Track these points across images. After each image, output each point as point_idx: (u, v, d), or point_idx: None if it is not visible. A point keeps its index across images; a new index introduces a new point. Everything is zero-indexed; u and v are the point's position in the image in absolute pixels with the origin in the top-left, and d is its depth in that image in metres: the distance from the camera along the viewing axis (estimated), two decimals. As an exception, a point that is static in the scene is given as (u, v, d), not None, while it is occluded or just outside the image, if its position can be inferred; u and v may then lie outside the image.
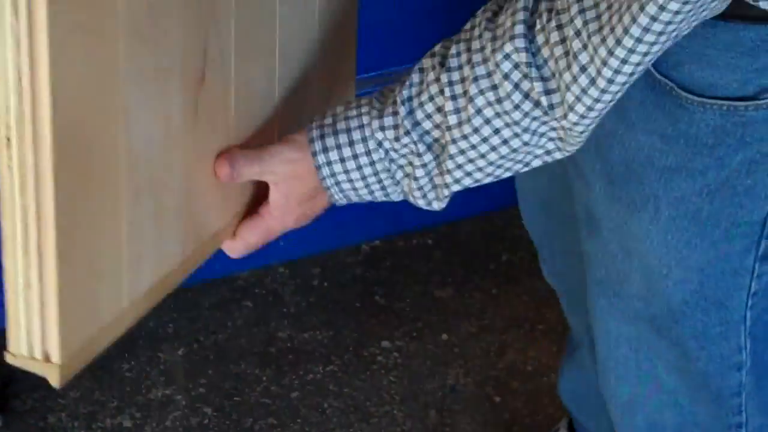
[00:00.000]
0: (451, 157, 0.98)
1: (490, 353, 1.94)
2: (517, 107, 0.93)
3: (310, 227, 1.93)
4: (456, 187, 1.01)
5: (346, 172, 1.03)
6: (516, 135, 0.95)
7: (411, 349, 1.95)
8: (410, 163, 1.01)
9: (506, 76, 0.92)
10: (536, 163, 0.99)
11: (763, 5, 0.92)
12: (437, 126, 0.98)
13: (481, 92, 0.94)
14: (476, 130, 0.96)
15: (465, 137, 0.96)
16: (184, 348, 1.94)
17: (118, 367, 1.90)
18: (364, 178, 1.03)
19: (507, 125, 0.95)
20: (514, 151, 0.97)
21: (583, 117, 0.92)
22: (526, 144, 0.96)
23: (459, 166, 0.99)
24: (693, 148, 1.04)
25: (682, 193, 1.07)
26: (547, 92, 0.92)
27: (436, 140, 0.99)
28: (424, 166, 1.00)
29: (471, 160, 0.98)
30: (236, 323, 1.98)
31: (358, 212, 1.91)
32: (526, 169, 0.99)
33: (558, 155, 0.98)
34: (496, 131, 0.95)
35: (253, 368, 1.91)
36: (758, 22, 0.97)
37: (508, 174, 1.00)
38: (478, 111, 0.95)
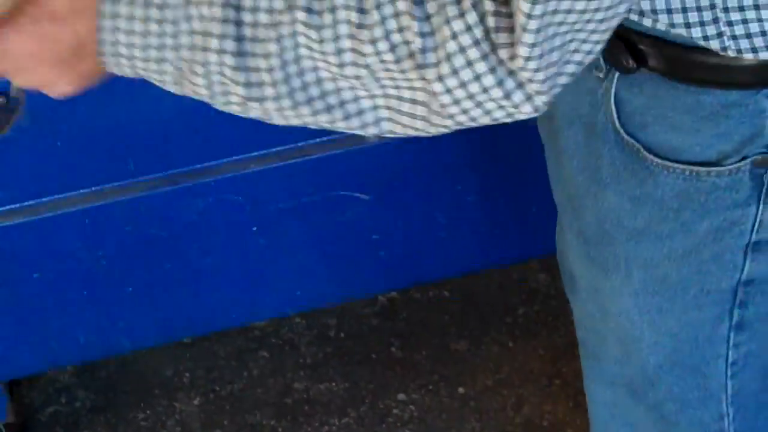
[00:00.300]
0: (281, 51, 0.84)
1: (506, 407, 1.94)
2: (373, 42, 0.83)
3: (328, 277, 1.94)
4: (269, 92, 0.86)
5: (131, 3, 0.84)
6: (357, 65, 0.84)
7: (427, 402, 1.94)
8: (209, 30, 0.84)
9: (378, 6, 0.83)
10: (356, 124, 0.87)
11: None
12: (250, 7, 0.85)
13: (347, 7, 0.83)
14: (322, 41, 0.84)
15: (307, 37, 0.84)
16: (200, 398, 1.94)
17: (134, 417, 1.90)
18: (146, 20, 0.84)
19: (353, 50, 0.84)
20: (345, 77, 0.85)
21: (455, 72, 0.82)
22: (358, 78, 0.85)
23: (284, 65, 0.85)
24: (659, 212, 1.04)
25: (651, 257, 1.06)
26: (423, 34, 0.82)
27: (252, 24, 0.85)
28: (221, 37, 0.84)
29: (297, 59, 0.85)
30: (252, 373, 1.97)
31: (376, 263, 1.91)
32: (342, 122, 0.87)
33: (387, 127, 0.87)
34: (340, 51, 0.84)
35: (268, 419, 1.91)
36: (718, 87, 0.97)
37: (320, 104, 0.86)
38: (335, 23, 0.84)
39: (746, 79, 0.96)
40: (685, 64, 0.96)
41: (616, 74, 1.01)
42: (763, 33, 0.92)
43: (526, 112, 0.84)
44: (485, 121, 0.85)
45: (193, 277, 1.80)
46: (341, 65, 0.84)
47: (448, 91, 0.83)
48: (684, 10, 0.92)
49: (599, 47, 0.83)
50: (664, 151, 1.01)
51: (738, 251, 1.04)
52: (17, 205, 1.59)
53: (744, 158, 0.99)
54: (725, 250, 1.04)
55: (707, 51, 0.94)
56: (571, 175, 1.11)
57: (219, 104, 0.88)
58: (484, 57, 0.81)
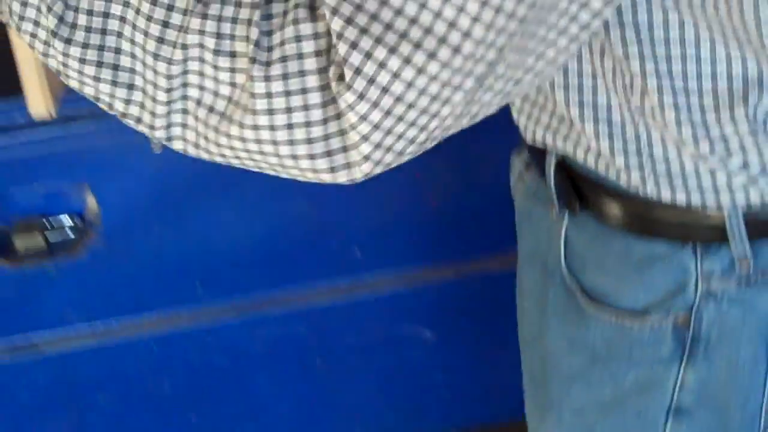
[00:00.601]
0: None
1: None
2: (202, 16, 0.79)
3: (389, 415, 1.92)
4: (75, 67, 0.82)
5: None
6: (175, 45, 0.79)
7: None
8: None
9: None
10: (146, 118, 0.83)
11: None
12: None
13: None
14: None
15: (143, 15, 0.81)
16: None
17: None
18: None
19: (180, 28, 0.79)
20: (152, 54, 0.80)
21: (285, 77, 0.77)
22: (170, 62, 0.79)
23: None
24: (591, 357, 1.04)
25: (581, 403, 1.06)
26: (262, 31, 0.78)
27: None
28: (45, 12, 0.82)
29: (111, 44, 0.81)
30: None
31: (439, 403, 1.90)
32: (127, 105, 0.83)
33: (190, 139, 0.82)
34: (167, 23, 0.80)
35: None
36: (647, 237, 0.98)
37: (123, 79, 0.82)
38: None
39: (672, 232, 0.97)
40: (619, 210, 0.98)
41: (567, 214, 1.03)
42: (683, 174, 0.94)
43: (335, 163, 0.79)
44: (283, 152, 0.79)
45: (255, 408, 1.80)
46: (160, 39, 0.80)
47: (268, 95, 0.78)
48: (611, 136, 0.95)
49: (423, 137, 0.79)
50: (596, 294, 1.02)
51: (660, 411, 1.02)
52: (86, 328, 1.61)
53: (668, 313, 0.99)
54: (649, 408, 1.03)
55: (637, 198, 0.97)
56: (526, 314, 1.13)
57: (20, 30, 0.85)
58: (320, 71, 0.77)
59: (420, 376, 1.87)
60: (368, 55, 0.75)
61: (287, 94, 0.77)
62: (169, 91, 0.81)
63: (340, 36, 0.75)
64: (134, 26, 0.80)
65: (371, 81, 0.76)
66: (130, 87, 0.82)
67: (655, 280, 0.99)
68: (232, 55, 0.78)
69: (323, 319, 1.70)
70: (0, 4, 0.85)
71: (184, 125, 0.82)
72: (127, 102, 0.83)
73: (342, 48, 0.75)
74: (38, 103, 1.17)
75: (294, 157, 0.79)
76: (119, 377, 1.70)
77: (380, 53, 0.75)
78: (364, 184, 1.57)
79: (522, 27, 0.76)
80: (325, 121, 0.78)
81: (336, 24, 0.75)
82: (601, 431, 1.05)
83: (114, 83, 0.82)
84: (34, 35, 0.84)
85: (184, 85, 0.80)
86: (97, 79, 0.83)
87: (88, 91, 0.84)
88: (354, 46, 0.75)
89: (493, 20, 0.75)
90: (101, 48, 0.82)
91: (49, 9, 0.82)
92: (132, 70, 0.82)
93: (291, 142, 0.79)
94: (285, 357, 1.73)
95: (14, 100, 1.37)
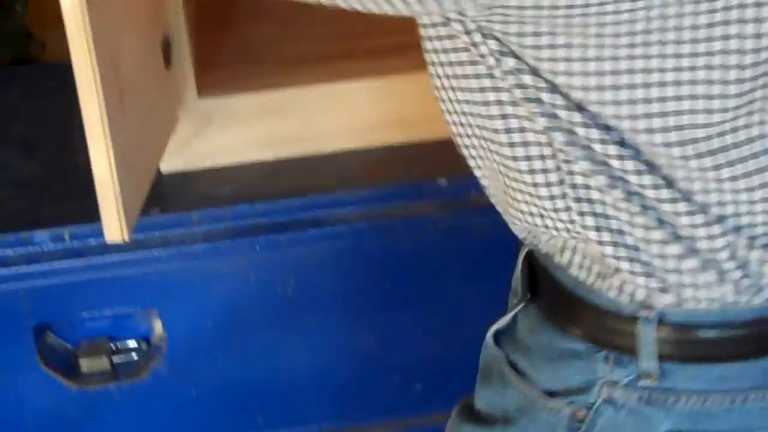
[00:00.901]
0: None
1: None
2: None
3: None
4: None
5: None
6: None
7: None
8: None
9: None
10: None
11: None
12: None
13: None
14: None
15: None
16: None
17: None
18: None
19: None
20: None
21: None
22: None
23: None
24: (503, 420, 1.07)
25: None
26: None
27: None
28: None
29: None
30: None
31: None
32: None
33: None
34: None
35: None
36: (571, 335, 1.02)
37: None
38: None
39: (593, 335, 1.01)
40: (554, 306, 1.04)
41: (523, 303, 1.09)
42: (605, 216, 0.97)
43: None
44: None
45: None
46: None
47: None
48: (535, 185, 0.98)
49: None
50: (520, 368, 1.07)
51: None
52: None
53: (570, 405, 1.02)
54: None
55: (572, 299, 1.02)
56: None
57: None
58: None
59: None
60: None
61: None
62: None
63: None
64: None
65: None
66: None
67: (568, 374, 1.03)
68: None
69: (381, 451, 1.70)
70: None
71: None
72: None
73: None
74: (113, 228, 1.20)
75: None
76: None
77: None
78: (429, 319, 1.58)
79: None
80: None
81: None
82: None
83: None
84: None
85: None
86: None
87: None
88: None
89: None
90: None
91: None
92: None
93: None
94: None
95: (89, 225, 1.40)
